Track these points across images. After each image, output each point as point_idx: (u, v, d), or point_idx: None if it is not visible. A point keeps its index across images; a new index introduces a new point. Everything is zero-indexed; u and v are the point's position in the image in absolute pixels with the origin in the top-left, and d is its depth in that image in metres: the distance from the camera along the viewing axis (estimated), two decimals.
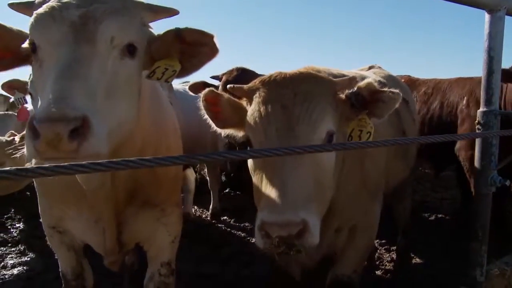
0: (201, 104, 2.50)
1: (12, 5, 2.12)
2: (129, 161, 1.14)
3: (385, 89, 2.37)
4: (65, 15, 1.87)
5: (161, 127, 2.81)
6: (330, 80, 2.43)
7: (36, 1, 2.03)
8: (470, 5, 2.44)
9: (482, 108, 2.62)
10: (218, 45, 2.13)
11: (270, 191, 2.06)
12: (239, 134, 2.59)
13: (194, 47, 2.16)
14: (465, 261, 3.03)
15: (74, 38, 1.83)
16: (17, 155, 1.86)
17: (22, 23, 2.12)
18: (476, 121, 2.65)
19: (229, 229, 6.73)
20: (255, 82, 2.44)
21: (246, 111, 2.42)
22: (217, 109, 2.51)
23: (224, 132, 2.66)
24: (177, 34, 2.13)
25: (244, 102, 2.51)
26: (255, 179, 2.30)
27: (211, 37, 2.12)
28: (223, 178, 8.95)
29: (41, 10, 1.92)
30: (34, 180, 2.97)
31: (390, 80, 4.26)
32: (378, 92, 2.36)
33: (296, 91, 2.26)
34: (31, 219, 7.04)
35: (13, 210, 7.62)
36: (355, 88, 2.38)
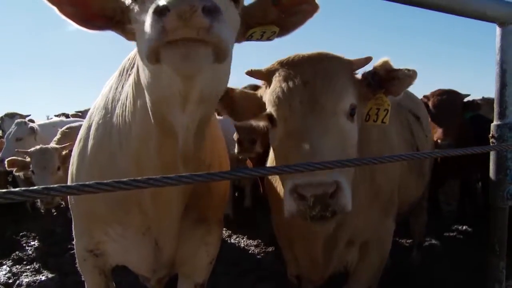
0: None
1: (250, 73, 2.31)
2: (150, 179, 1.13)
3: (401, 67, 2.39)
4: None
5: (215, 140, 2.69)
6: (346, 59, 2.44)
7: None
8: (481, 19, 2.44)
9: (495, 122, 2.60)
10: (318, 1, 2.00)
11: (299, 159, 2.04)
12: (260, 123, 2.58)
13: (291, 7, 2.02)
14: (482, 274, 2.98)
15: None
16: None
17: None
18: (490, 135, 2.64)
19: (243, 246, 6.72)
20: (273, 64, 2.45)
21: (260, 99, 2.45)
22: (231, 103, 2.50)
23: (244, 124, 2.66)
24: (274, 2, 2.01)
25: (259, 91, 2.54)
26: (278, 152, 2.32)
27: None
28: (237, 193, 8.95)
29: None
30: (73, 200, 2.76)
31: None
32: (394, 70, 2.39)
33: (316, 69, 2.28)
34: (46, 237, 7.12)
35: (27, 227, 7.69)
36: (372, 68, 2.42)
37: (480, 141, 4.67)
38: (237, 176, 1.36)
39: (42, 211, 8.51)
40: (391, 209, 3.17)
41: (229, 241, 6.97)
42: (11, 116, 10.31)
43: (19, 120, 8.46)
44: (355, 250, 3.02)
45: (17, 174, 6.21)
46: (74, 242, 2.84)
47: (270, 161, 3.06)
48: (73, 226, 2.81)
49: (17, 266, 6.01)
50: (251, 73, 2.51)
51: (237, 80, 3.95)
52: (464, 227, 6.81)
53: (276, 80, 2.33)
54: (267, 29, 2.04)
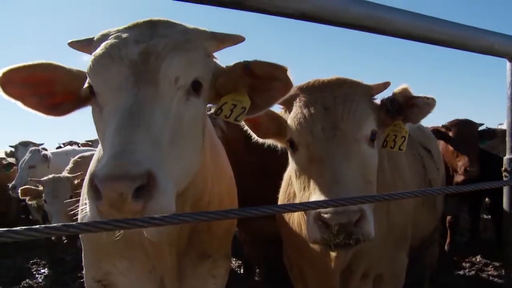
0: None
1: (71, 44, 1.99)
2: (153, 218, 1.16)
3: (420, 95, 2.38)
4: (124, 54, 1.72)
5: (217, 174, 2.63)
6: (365, 84, 2.45)
7: (94, 38, 1.91)
8: (491, 55, 2.45)
9: (508, 155, 2.59)
10: (292, 79, 1.92)
11: (321, 184, 2.04)
12: (279, 143, 2.58)
13: (265, 81, 1.96)
14: None
15: (134, 80, 1.67)
16: (83, 214, 1.58)
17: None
18: (503, 168, 2.62)
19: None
20: (293, 89, 2.46)
21: (283, 120, 2.43)
22: (255, 120, 2.47)
23: (265, 142, 2.63)
24: (246, 67, 1.96)
25: (282, 111, 2.53)
26: (299, 176, 2.29)
27: (284, 70, 1.91)
28: None
29: (98, 51, 1.77)
30: (80, 236, 2.83)
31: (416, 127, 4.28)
32: (413, 97, 2.38)
33: (336, 94, 2.28)
34: (56, 264, 7.11)
35: (38, 255, 7.68)
36: (391, 94, 2.41)
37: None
38: (238, 215, 1.34)
39: (53, 238, 8.50)
40: (405, 243, 3.14)
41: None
42: (25, 144, 10.40)
43: (32, 148, 8.57)
44: (369, 284, 2.98)
45: (29, 202, 6.25)
46: (84, 273, 2.83)
47: (286, 184, 3.04)
48: (83, 256, 2.81)
49: None
50: None
51: None
52: (478, 259, 6.68)
53: (297, 105, 2.33)
54: (238, 100, 2.00)
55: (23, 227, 1.05)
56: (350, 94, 2.30)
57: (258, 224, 3.41)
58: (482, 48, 2.42)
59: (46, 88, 1.93)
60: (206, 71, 1.91)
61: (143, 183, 1.40)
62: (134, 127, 1.54)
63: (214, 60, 2.01)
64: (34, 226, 1.07)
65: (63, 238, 8.28)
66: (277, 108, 2.56)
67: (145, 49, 1.73)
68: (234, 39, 1.99)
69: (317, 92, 2.34)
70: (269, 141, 2.62)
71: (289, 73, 1.91)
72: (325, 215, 1.91)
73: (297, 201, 2.42)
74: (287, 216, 2.93)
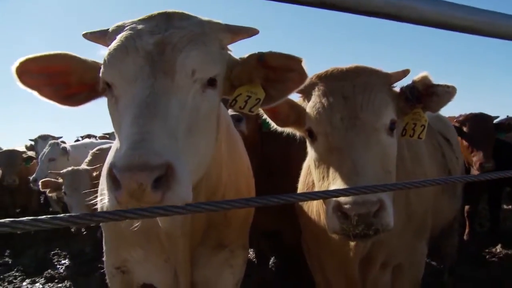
0: None
1: (86, 35, 2.01)
2: (160, 208, 1.16)
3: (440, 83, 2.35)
4: (139, 45, 1.73)
5: (233, 167, 2.65)
6: (384, 72, 2.42)
7: (109, 29, 1.93)
8: None
9: None
10: (306, 70, 1.91)
11: (340, 174, 2.04)
12: (298, 132, 2.58)
13: (279, 72, 1.97)
14: None
15: (150, 71, 1.68)
16: (102, 204, 1.60)
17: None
18: None
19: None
20: (311, 78, 2.43)
21: (302, 108, 2.42)
22: (274, 109, 2.46)
23: (284, 130, 2.63)
24: (260, 59, 1.97)
25: (300, 99, 2.51)
26: (318, 166, 2.28)
27: (298, 61, 1.90)
28: None
29: (114, 44, 1.79)
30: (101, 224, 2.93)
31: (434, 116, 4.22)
32: (433, 85, 2.35)
33: (355, 83, 2.27)
34: (76, 256, 7.24)
35: (58, 246, 7.83)
36: (410, 82, 2.38)
37: None
38: (257, 203, 1.34)
39: (73, 230, 8.65)
40: (424, 232, 3.11)
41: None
42: (44, 138, 10.59)
43: (52, 141, 8.71)
44: (389, 273, 2.97)
45: (50, 195, 6.35)
46: (104, 260, 2.96)
47: (305, 173, 3.03)
48: (103, 243, 2.92)
49: (49, 284, 6.17)
50: None
51: None
52: (498, 249, 6.60)
53: (316, 94, 2.32)
54: (252, 91, 2.00)
55: (47, 216, 1.06)
56: (369, 83, 2.28)
57: (266, 215, 3.44)
58: (504, 34, 2.36)
59: (61, 79, 1.96)
60: (222, 63, 1.92)
61: (162, 173, 1.41)
62: (151, 117, 1.55)
63: (229, 52, 2.01)
64: (58, 215, 1.09)
65: (82, 229, 8.41)
66: (295, 97, 2.55)
67: (160, 40, 1.74)
68: (248, 32, 2.00)
69: (336, 81, 2.32)
70: (288, 130, 2.61)
71: (303, 64, 1.91)
72: (345, 206, 1.91)
73: (316, 190, 2.41)
74: (306, 205, 2.93)
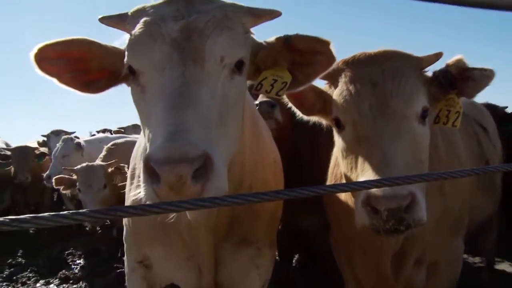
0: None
1: (103, 20, 2.02)
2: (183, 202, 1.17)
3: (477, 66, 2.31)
4: (164, 31, 1.75)
5: (259, 157, 2.67)
6: (415, 56, 2.39)
7: (129, 13, 1.95)
8: None
9: None
10: (334, 53, 1.95)
11: (370, 165, 2.04)
12: (324, 121, 2.59)
13: (306, 55, 2.01)
14: None
15: (180, 59, 1.70)
16: (140, 196, 1.59)
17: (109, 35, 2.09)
18: None
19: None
20: (338, 63, 2.42)
21: (328, 95, 2.42)
22: (299, 96, 2.47)
23: (310, 119, 2.64)
24: (286, 42, 2.00)
25: (326, 86, 2.51)
26: (346, 156, 2.29)
27: (326, 44, 1.95)
28: None
29: (138, 29, 1.81)
30: (123, 219, 2.98)
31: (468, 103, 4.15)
32: (468, 69, 2.31)
33: (384, 68, 2.25)
34: (91, 255, 7.36)
35: (73, 246, 7.96)
36: (443, 66, 2.35)
37: None
38: (281, 196, 1.34)
39: (87, 229, 8.79)
40: (461, 227, 3.07)
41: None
42: (57, 133, 10.79)
43: (65, 136, 8.84)
44: (423, 271, 2.94)
45: (64, 192, 6.45)
46: (124, 258, 2.98)
47: (333, 164, 3.04)
48: (124, 240, 2.95)
49: (64, 285, 6.28)
50: None
51: None
52: None
53: (343, 81, 2.32)
54: (278, 75, 2.04)
55: (70, 211, 1.09)
56: (399, 68, 2.26)
57: (288, 213, 3.43)
58: None
59: (80, 65, 1.99)
60: (247, 48, 1.94)
61: (201, 164, 1.45)
62: (185, 108, 1.58)
63: (252, 35, 2.02)
64: (80, 210, 1.11)
65: (97, 227, 8.53)
66: (321, 83, 2.55)
67: (185, 26, 1.76)
68: (271, 14, 2.01)
69: (364, 67, 2.31)
70: (314, 118, 2.61)
71: (331, 47, 1.94)
72: (374, 200, 1.90)
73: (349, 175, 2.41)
74: (334, 198, 2.93)
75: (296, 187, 1.30)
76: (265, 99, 3.80)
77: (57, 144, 8.55)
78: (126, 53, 1.86)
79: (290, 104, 2.54)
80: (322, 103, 2.47)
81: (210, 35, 1.76)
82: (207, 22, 1.79)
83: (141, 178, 1.53)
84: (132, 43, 1.82)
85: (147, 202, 1.48)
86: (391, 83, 2.19)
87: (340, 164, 2.45)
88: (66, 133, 10.56)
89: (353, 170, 2.20)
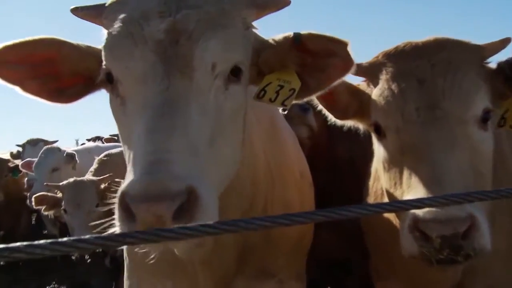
0: None
1: (75, 11, 2.03)
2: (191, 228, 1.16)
3: None
4: (147, 33, 1.73)
5: (278, 171, 2.65)
6: (474, 45, 2.36)
7: (106, 4, 1.94)
8: None
9: None
10: (353, 55, 1.94)
11: (418, 181, 2.01)
12: (362, 125, 2.59)
13: (319, 58, 2.00)
14: None
15: (164, 70, 1.69)
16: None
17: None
18: None
19: None
20: (377, 56, 2.43)
21: (366, 95, 2.41)
22: (332, 96, 2.46)
23: (344, 123, 2.63)
24: (296, 41, 1.99)
25: (363, 84, 2.51)
26: (388, 169, 2.27)
27: (343, 45, 1.93)
28: None
29: (116, 28, 1.80)
30: (124, 250, 2.96)
31: None
32: None
33: (434, 61, 2.23)
34: None
35: (56, 279, 7.97)
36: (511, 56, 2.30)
37: None
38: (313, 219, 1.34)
39: (74, 258, 8.80)
40: None
41: None
42: (34, 143, 10.55)
43: (49, 146, 8.66)
44: None
45: (45, 213, 6.29)
46: None
47: (372, 178, 3.01)
48: (125, 276, 2.94)
49: None
50: None
51: None
52: None
53: (383, 78, 2.30)
54: (285, 80, 2.03)
55: (70, 238, 1.09)
56: (453, 60, 2.24)
57: (320, 239, 3.40)
58: None
59: (49, 69, 2.01)
60: (246, 48, 1.95)
61: (184, 201, 1.45)
62: (168, 131, 1.59)
63: (254, 31, 2.03)
64: (84, 237, 1.11)
65: (86, 257, 8.55)
66: (358, 80, 2.57)
67: (172, 26, 1.75)
68: (277, 4, 2.03)
69: (410, 60, 2.30)
70: (349, 123, 2.62)
71: (349, 48, 1.93)
72: (424, 224, 1.87)
73: (386, 200, 2.41)
74: (376, 220, 2.90)
75: (332, 206, 1.28)
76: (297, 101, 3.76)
77: (42, 155, 8.24)
78: (103, 56, 1.85)
79: (320, 107, 2.54)
80: (358, 104, 2.48)
81: (201, 38, 1.75)
82: (198, 21, 1.78)
83: (116, 215, 1.54)
84: (109, 45, 1.82)
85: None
86: (443, 79, 2.17)
87: (381, 178, 2.45)
88: (46, 142, 10.31)
89: (397, 186, 2.19)
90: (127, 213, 1.47)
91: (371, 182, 3.04)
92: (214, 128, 1.76)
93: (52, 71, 2.01)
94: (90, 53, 2.00)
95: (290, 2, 2.01)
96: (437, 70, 2.20)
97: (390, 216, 2.68)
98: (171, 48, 1.73)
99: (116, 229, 1.53)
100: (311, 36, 1.98)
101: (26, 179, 8.54)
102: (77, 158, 8.38)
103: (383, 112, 2.26)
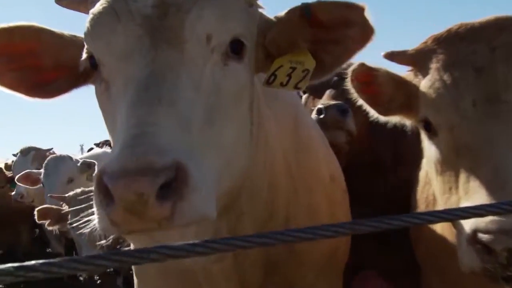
0: (350, 85, 2.48)
1: (60, 2, 2.07)
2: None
3: None
4: (133, 8, 1.73)
5: (303, 175, 2.65)
6: None
7: None
8: None
9: None
10: (371, 21, 1.93)
11: (477, 186, 1.97)
12: (409, 121, 2.57)
13: (333, 30, 2.00)
14: None
15: (151, 41, 1.69)
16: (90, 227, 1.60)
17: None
18: None
19: None
20: (426, 41, 2.41)
21: (413, 86, 2.39)
22: (374, 89, 2.46)
23: (388, 120, 2.62)
24: (305, 13, 1.98)
25: (410, 74, 2.49)
26: (441, 172, 2.25)
27: (359, 10, 1.92)
28: None
29: (98, 6, 1.81)
30: (133, 268, 3.01)
31: None
32: None
33: (494, 45, 2.18)
34: None
35: None
36: None
37: None
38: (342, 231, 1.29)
39: (82, 278, 8.90)
40: None
41: None
42: (26, 152, 10.25)
43: (58, 155, 8.50)
44: None
45: (49, 228, 6.32)
46: None
47: (422, 182, 2.99)
48: None
49: None
50: (391, 57, 2.47)
51: None
52: None
53: (434, 67, 2.27)
54: (297, 61, 2.02)
55: (87, 256, 1.12)
56: None
57: (359, 250, 3.38)
58: None
59: (29, 61, 2.05)
60: (249, 25, 1.96)
61: (170, 178, 1.40)
62: (153, 103, 1.57)
63: (260, 10, 2.04)
64: (76, 257, 1.13)
65: (96, 277, 8.64)
66: (403, 70, 2.54)
67: (161, 1, 1.75)
68: None
69: (465, 45, 2.25)
70: (394, 119, 2.60)
71: (367, 13, 1.92)
72: (486, 236, 1.83)
73: (439, 207, 2.39)
74: (427, 231, 2.89)
75: (377, 216, 1.29)
76: (331, 102, 3.70)
77: (50, 165, 8.05)
78: (84, 39, 1.87)
79: (360, 101, 2.54)
80: (404, 97, 2.46)
81: (193, 8, 1.75)
82: None
83: (94, 201, 1.50)
84: (90, 24, 1.82)
85: (104, 233, 1.52)
86: (505, 67, 2.13)
87: (433, 183, 2.43)
88: (38, 151, 10.18)
89: (452, 191, 2.17)
90: (105, 194, 1.41)
91: (420, 187, 3.02)
92: (211, 107, 1.75)
93: (32, 63, 2.04)
94: (75, 43, 2.03)
95: None
96: (498, 56, 2.15)
97: (445, 224, 2.65)
98: (159, 21, 1.73)
99: (95, 217, 1.51)
100: (322, 5, 1.97)
101: (13, 193, 8.54)
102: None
103: (434, 107, 2.24)
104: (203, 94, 1.73)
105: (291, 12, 2.02)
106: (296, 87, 2.09)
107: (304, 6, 1.96)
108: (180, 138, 1.54)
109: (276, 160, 2.40)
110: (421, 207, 2.94)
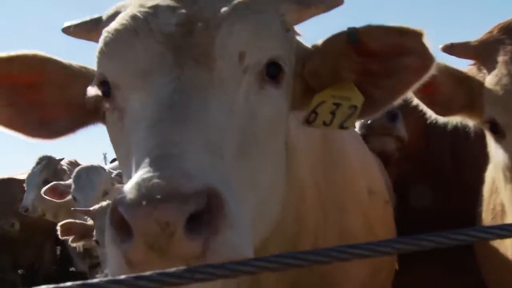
0: None
1: (68, 30, 2.05)
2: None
3: None
4: (154, 26, 1.70)
5: (330, 195, 2.59)
6: None
7: (103, 17, 1.96)
8: None
9: None
10: (431, 50, 1.85)
11: None
12: (472, 122, 2.57)
13: (386, 59, 1.94)
14: None
15: (174, 59, 1.65)
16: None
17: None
18: None
19: None
20: (491, 32, 2.41)
21: (477, 83, 2.39)
22: (431, 87, 2.40)
23: (449, 121, 2.61)
24: (352, 39, 1.93)
25: (473, 69, 2.49)
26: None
27: (418, 36, 1.85)
28: None
29: (114, 23, 1.79)
30: None
31: None
32: None
33: None
34: None
35: None
36: None
37: None
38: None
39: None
40: None
41: None
42: (39, 162, 10.00)
43: (91, 165, 8.50)
44: None
45: (73, 245, 6.33)
46: None
47: (489, 190, 2.97)
48: None
49: None
50: (450, 49, 2.46)
51: None
52: None
53: (501, 60, 2.26)
54: (342, 96, 1.95)
55: (131, 275, 1.05)
56: None
57: (416, 274, 3.41)
58: None
59: (30, 95, 2.04)
60: (287, 49, 1.91)
61: (201, 207, 1.28)
62: (178, 122, 1.52)
63: (297, 36, 2.04)
64: (117, 277, 1.05)
65: None
66: (464, 64, 2.56)
67: (185, 19, 1.72)
68: (327, 2, 2.00)
69: None
70: (455, 120, 2.60)
71: (425, 40, 1.85)
72: None
73: (508, 219, 2.41)
74: (496, 247, 2.86)
75: (438, 229, 1.22)
76: None
77: (81, 176, 8.03)
78: (96, 62, 1.85)
79: (415, 101, 2.52)
80: (466, 95, 2.47)
81: (223, 23, 1.71)
82: (219, 8, 1.75)
83: (106, 238, 1.42)
84: (104, 42, 1.80)
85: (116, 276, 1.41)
86: None
87: (501, 191, 2.44)
88: (50, 159, 10.07)
89: None
90: (121, 229, 1.31)
91: (486, 196, 2.99)
92: (245, 135, 1.69)
93: (34, 98, 2.03)
94: (85, 75, 2.03)
95: (343, 1, 1.98)
96: None
97: None
98: (183, 39, 1.69)
99: (108, 257, 1.43)
100: (371, 30, 1.94)
101: (21, 205, 8.55)
102: None
103: (502, 105, 2.22)
104: (236, 118, 1.68)
105: (336, 38, 2.00)
106: (341, 126, 2.02)
107: (351, 31, 1.93)
108: (211, 163, 1.45)
109: (306, 188, 2.37)
110: (488, 219, 2.92)
